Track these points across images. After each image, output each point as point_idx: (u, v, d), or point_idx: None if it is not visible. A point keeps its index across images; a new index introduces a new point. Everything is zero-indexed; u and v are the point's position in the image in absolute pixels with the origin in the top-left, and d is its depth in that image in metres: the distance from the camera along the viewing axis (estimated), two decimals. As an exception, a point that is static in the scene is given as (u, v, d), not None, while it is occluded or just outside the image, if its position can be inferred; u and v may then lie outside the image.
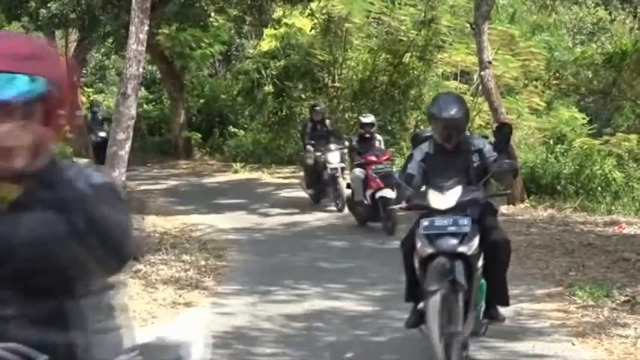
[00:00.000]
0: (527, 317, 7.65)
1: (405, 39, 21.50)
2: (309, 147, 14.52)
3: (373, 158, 12.50)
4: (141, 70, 10.26)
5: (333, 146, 14.12)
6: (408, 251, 6.03)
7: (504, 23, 22.60)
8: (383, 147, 13.42)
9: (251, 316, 7.85)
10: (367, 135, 13.14)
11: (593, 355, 6.47)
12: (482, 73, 14.94)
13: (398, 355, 6.58)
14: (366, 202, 12.43)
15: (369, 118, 13.53)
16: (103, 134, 17.99)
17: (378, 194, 12.02)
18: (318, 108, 15.70)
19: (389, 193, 11.48)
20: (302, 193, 15.17)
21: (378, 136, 13.57)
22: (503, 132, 6.30)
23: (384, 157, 12.69)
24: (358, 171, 12.57)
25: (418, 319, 6.00)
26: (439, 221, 5.70)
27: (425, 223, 5.74)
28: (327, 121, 15.44)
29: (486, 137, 9.14)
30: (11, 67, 2.05)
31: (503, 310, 6.32)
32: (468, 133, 6.46)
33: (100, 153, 16.40)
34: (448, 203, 5.76)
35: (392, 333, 7.06)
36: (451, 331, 5.62)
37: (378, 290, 8.67)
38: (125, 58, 10.32)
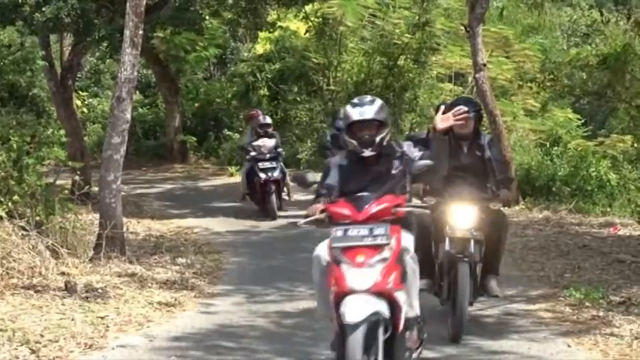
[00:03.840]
0: (522, 319, 7.66)
1: (399, 42, 21.52)
2: None
3: (343, 211, 5.48)
4: (135, 73, 10.25)
5: None
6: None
7: (497, 24, 22.62)
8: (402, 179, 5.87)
9: (245, 316, 7.86)
10: (366, 152, 5.74)
11: (588, 357, 6.48)
12: (477, 75, 14.94)
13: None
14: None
15: (365, 112, 5.82)
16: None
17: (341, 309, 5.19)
18: None
19: (359, 313, 5.07)
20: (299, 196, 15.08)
21: (408, 149, 5.97)
22: None
23: (374, 209, 5.44)
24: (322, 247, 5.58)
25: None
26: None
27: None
28: None
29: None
30: None
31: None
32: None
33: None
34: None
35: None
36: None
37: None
38: (120, 62, 10.31)
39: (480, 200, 7.16)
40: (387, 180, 5.76)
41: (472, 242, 7.04)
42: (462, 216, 7.07)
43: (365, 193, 5.59)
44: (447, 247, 7.04)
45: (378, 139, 5.73)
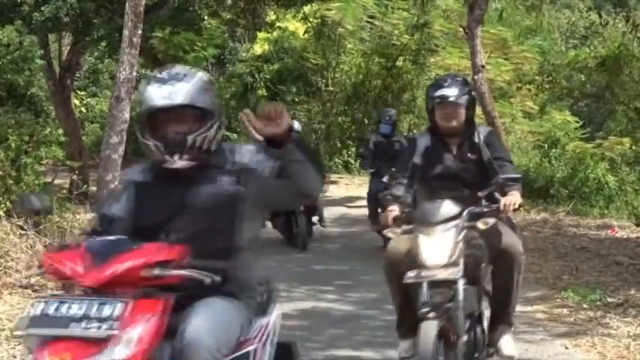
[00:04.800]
0: (520, 320, 7.64)
1: (398, 43, 21.54)
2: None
3: (66, 267, 3.01)
4: (134, 73, 10.25)
5: None
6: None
7: (496, 25, 22.67)
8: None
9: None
10: (176, 162, 3.44)
11: (586, 359, 6.47)
12: (475, 77, 14.93)
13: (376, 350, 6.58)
14: None
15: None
16: None
17: None
18: None
19: None
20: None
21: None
22: None
23: (114, 269, 2.96)
24: None
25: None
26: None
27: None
28: None
29: None
30: None
31: None
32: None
33: None
34: None
35: (374, 331, 7.08)
36: None
37: (369, 292, 8.67)
38: (118, 62, 10.31)
39: (465, 218, 4.76)
40: (207, 209, 3.36)
41: (460, 285, 4.63)
42: (437, 246, 4.67)
43: (121, 237, 3.14)
44: (423, 296, 4.60)
45: (195, 138, 3.40)
